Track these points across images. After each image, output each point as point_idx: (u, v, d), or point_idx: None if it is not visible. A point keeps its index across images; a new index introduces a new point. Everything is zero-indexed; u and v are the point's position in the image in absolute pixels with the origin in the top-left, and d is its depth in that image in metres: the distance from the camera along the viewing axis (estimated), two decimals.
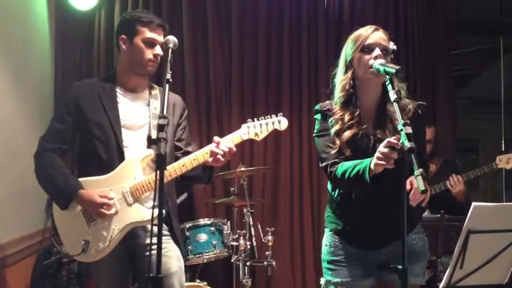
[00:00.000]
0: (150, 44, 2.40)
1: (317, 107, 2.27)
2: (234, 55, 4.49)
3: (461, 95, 6.02)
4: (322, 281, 2.28)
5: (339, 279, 2.18)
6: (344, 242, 2.21)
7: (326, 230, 2.31)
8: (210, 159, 2.32)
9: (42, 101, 3.92)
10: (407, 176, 1.92)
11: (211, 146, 2.31)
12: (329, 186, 2.29)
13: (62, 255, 3.24)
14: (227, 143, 2.32)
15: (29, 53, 3.66)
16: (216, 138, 2.33)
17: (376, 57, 2.08)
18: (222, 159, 2.30)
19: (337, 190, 2.23)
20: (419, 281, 2.21)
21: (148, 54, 2.40)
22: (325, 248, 2.27)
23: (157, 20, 2.44)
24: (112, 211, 2.28)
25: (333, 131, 2.15)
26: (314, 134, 2.26)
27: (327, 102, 2.26)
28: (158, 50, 2.41)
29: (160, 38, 2.41)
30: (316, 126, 2.25)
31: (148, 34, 2.39)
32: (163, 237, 2.02)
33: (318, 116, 2.25)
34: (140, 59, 2.40)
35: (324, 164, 2.15)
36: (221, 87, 4.47)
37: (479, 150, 7.24)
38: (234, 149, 2.33)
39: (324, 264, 2.27)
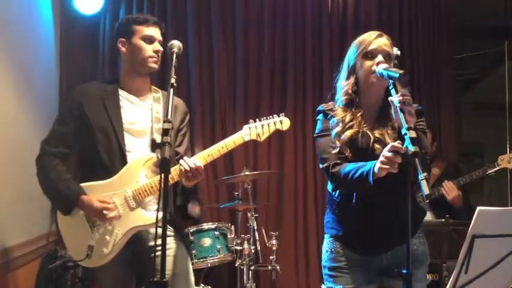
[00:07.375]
0: (149, 40, 2.40)
1: (320, 107, 2.26)
2: (238, 58, 4.50)
3: (466, 99, 6.01)
4: None
5: (341, 286, 2.15)
6: (345, 247, 2.18)
7: (326, 235, 2.28)
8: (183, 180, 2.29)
9: (47, 105, 3.94)
10: (411, 180, 1.91)
11: (181, 161, 2.28)
12: (329, 186, 2.26)
13: (67, 259, 3.26)
14: (195, 160, 2.27)
15: (34, 58, 3.67)
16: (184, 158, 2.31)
17: (378, 64, 2.06)
18: (190, 175, 2.25)
19: (338, 191, 2.20)
20: (422, 286, 2.19)
21: (148, 50, 2.39)
22: (325, 255, 2.24)
23: (153, 18, 2.46)
24: (113, 214, 2.28)
25: (333, 132, 2.13)
26: (315, 134, 2.24)
27: (330, 103, 2.25)
28: (158, 46, 2.41)
29: (157, 35, 2.43)
30: (318, 127, 2.24)
31: (146, 31, 2.40)
32: (168, 238, 2.01)
33: (320, 117, 2.24)
34: (141, 56, 2.40)
35: (325, 164, 2.13)
36: (225, 91, 4.48)
37: (484, 154, 7.21)
38: (202, 167, 2.26)
39: (325, 271, 2.24)
